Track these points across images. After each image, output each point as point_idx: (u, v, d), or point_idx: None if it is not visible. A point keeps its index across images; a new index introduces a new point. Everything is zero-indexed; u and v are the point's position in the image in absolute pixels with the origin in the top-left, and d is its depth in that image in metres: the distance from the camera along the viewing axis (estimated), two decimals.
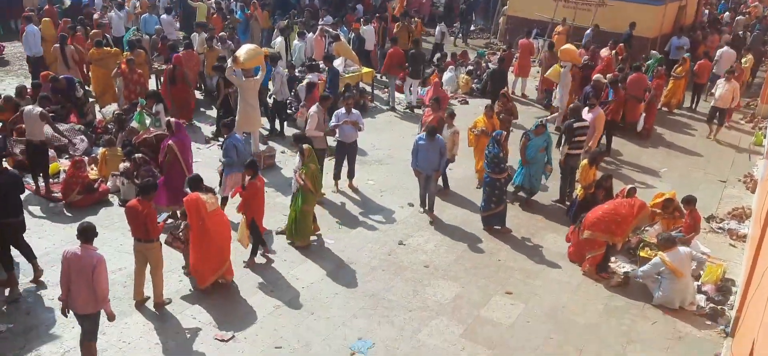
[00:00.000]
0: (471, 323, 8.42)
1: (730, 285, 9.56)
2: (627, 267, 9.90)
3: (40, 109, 10.77)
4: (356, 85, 16.91)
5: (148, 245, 7.97)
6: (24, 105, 11.54)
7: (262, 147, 13.34)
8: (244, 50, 12.59)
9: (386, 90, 18.00)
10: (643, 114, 15.81)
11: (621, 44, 19.24)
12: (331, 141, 12.15)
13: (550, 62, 17.23)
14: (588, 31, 20.48)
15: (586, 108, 12.74)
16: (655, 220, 10.64)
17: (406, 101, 17.41)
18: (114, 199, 11.09)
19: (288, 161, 12.87)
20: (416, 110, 16.68)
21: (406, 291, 9.04)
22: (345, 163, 11.89)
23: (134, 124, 12.58)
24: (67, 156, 12.29)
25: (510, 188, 11.53)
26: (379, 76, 18.88)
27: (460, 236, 10.68)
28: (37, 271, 8.67)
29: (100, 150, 11.87)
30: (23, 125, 10.96)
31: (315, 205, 10.18)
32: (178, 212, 10.11)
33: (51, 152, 11.65)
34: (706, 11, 30.22)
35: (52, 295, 8.37)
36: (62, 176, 11.31)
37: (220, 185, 10.66)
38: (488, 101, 15.17)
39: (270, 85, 14.68)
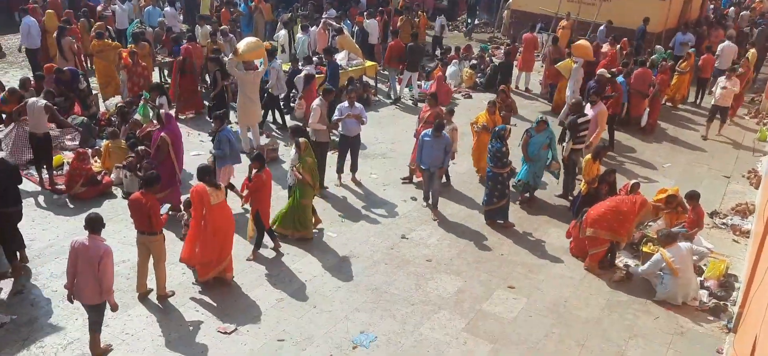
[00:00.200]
0: (473, 317, 8.43)
1: (733, 280, 9.54)
2: (629, 263, 9.90)
3: (44, 101, 10.80)
4: (359, 78, 16.90)
5: (151, 238, 7.99)
6: (28, 97, 11.57)
7: (266, 140, 13.34)
8: (245, 43, 12.64)
9: (389, 84, 17.99)
10: (647, 109, 15.78)
11: (625, 39, 19.22)
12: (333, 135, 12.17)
13: (554, 57, 17.20)
14: (601, 27, 20.40)
15: (588, 104, 12.69)
16: (658, 215, 10.63)
17: (410, 95, 17.41)
18: (117, 191, 11.12)
19: (288, 155, 12.86)
20: (420, 104, 16.66)
21: (408, 284, 9.05)
22: (348, 156, 11.89)
23: (137, 116, 12.59)
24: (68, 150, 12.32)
25: (513, 187, 11.47)
26: (381, 69, 18.86)
27: (463, 230, 10.68)
28: (18, 272, 8.67)
29: (104, 142, 11.89)
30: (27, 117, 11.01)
31: (313, 198, 10.16)
32: (182, 205, 10.15)
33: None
34: (712, 6, 30.09)
35: (55, 287, 8.40)
36: (66, 168, 11.34)
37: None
38: (492, 96, 15.12)
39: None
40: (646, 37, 20.35)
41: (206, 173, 8.44)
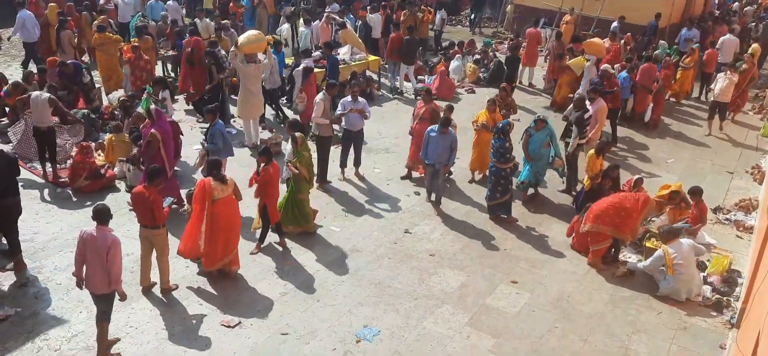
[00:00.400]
0: (476, 311, 8.43)
1: (736, 276, 9.54)
2: (632, 258, 9.89)
3: (47, 94, 10.81)
4: (363, 73, 16.89)
5: (154, 232, 7.99)
6: (31, 91, 11.57)
7: (269, 134, 13.34)
8: (246, 35, 12.67)
9: (390, 78, 18.00)
10: (651, 105, 15.74)
11: (628, 34, 19.17)
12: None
13: (557, 52, 17.17)
14: (615, 23, 20.36)
15: (587, 100, 12.61)
16: (662, 211, 10.62)
17: (413, 89, 17.40)
18: (121, 185, 11.13)
19: (287, 149, 12.86)
20: (418, 97, 16.63)
21: (411, 279, 9.06)
22: (351, 151, 11.89)
23: (140, 110, 12.57)
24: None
25: (517, 186, 11.42)
26: (383, 64, 18.83)
27: (466, 225, 10.68)
28: (21, 267, 8.67)
29: (107, 136, 11.90)
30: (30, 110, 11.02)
31: (309, 192, 10.10)
32: (184, 197, 10.17)
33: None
34: (716, 1, 29.98)
35: (59, 280, 8.42)
36: (69, 161, 11.35)
37: (201, 170, 10.57)
38: (496, 91, 15.05)
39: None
40: (657, 32, 20.27)
41: (214, 167, 8.44)
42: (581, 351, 7.87)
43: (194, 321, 7.89)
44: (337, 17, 19.13)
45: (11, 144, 11.75)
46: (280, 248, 9.56)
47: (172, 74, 17.15)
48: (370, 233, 10.21)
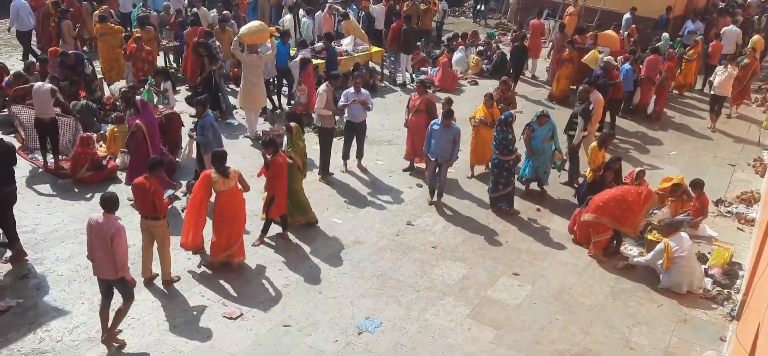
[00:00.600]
0: (478, 303, 8.45)
1: (737, 268, 9.54)
2: (634, 250, 9.89)
3: (49, 85, 10.81)
4: (366, 64, 16.85)
5: (155, 223, 8.01)
6: (33, 81, 11.57)
7: (269, 126, 13.34)
8: (247, 26, 12.65)
9: (392, 68, 17.98)
10: (654, 96, 15.69)
11: (633, 26, 19.08)
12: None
13: (561, 43, 17.11)
14: (627, 15, 20.25)
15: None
16: (663, 203, 10.61)
17: (417, 80, 17.36)
18: (122, 176, 11.12)
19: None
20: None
21: (413, 271, 9.07)
22: (354, 143, 11.87)
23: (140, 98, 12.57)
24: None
25: (519, 184, 11.40)
26: (386, 55, 18.80)
27: (468, 217, 10.68)
28: (21, 254, 8.71)
29: (109, 127, 11.89)
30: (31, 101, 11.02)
31: (302, 182, 10.00)
32: (186, 187, 10.19)
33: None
34: None
35: (61, 271, 8.45)
36: (71, 152, 11.35)
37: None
38: (497, 84, 15.01)
39: None
40: (669, 26, 20.18)
41: (217, 159, 8.43)
42: (582, 342, 7.88)
43: (196, 313, 7.91)
44: (340, 8, 19.07)
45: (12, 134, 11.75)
46: (283, 241, 9.57)
47: (174, 65, 17.13)
48: (372, 225, 10.22)
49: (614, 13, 20.63)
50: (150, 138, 9.90)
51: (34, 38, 17.34)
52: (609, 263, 9.56)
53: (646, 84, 15.37)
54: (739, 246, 10.21)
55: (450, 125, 10.42)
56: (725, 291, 8.98)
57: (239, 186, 8.59)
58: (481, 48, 19.91)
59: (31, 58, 15.12)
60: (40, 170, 11.14)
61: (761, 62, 19.87)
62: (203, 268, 8.76)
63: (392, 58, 18.18)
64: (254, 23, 13.06)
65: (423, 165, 11.53)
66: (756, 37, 18.33)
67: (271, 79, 14.80)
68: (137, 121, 9.86)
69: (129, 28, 17.32)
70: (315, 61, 15.14)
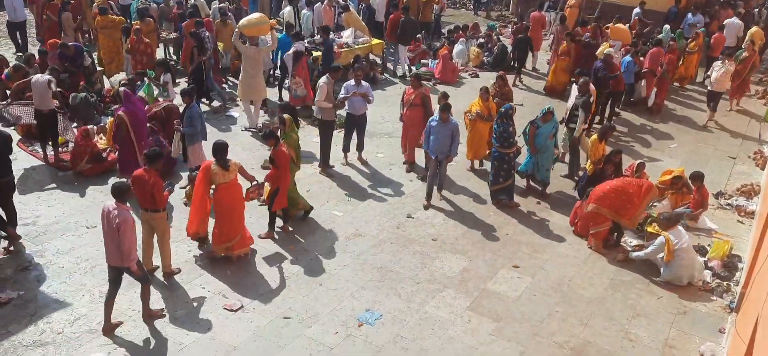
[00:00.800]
0: (478, 296, 8.46)
1: (737, 261, 9.55)
2: (634, 242, 9.90)
3: (48, 77, 10.81)
4: (366, 56, 16.83)
5: (155, 215, 8.01)
6: (32, 74, 11.56)
7: (273, 118, 13.34)
8: (247, 18, 12.68)
9: (393, 60, 17.95)
10: (655, 89, 15.67)
11: (636, 18, 19.06)
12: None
13: (561, 36, 17.08)
14: (636, 9, 20.20)
15: (575, 86, 12.54)
16: (663, 195, 10.61)
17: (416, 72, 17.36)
18: None
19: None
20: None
21: (413, 263, 9.08)
22: (354, 135, 11.86)
23: (142, 94, 12.56)
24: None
25: (519, 182, 11.35)
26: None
27: (468, 210, 10.69)
28: (15, 237, 8.76)
29: (109, 120, 11.89)
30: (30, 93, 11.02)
31: (295, 174, 9.95)
32: (188, 179, 10.19)
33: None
34: None
35: (62, 263, 8.47)
36: (71, 145, 11.36)
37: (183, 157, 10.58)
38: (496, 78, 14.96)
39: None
40: (678, 19, 20.16)
41: (217, 151, 8.41)
42: (581, 334, 7.89)
43: (196, 305, 7.93)
44: (340, 0, 19.03)
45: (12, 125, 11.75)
46: (284, 233, 9.58)
47: (174, 57, 17.12)
48: (372, 217, 10.23)
49: (616, 5, 20.58)
50: (133, 129, 9.86)
51: (34, 31, 17.32)
52: (609, 255, 9.58)
53: (649, 77, 15.34)
54: (739, 239, 10.22)
55: (447, 119, 10.30)
56: (724, 283, 9.00)
57: (241, 179, 8.59)
58: (481, 40, 19.86)
59: (31, 51, 15.09)
60: (41, 162, 11.15)
61: (761, 55, 19.84)
62: (204, 260, 8.76)
63: (392, 50, 18.15)
64: (255, 15, 13.09)
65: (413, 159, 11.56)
66: (754, 29, 18.08)
67: (271, 71, 14.79)
68: (119, 112, 9.82)
69: (129, 20, 17.28)
70: (315, 54, 15.16)
